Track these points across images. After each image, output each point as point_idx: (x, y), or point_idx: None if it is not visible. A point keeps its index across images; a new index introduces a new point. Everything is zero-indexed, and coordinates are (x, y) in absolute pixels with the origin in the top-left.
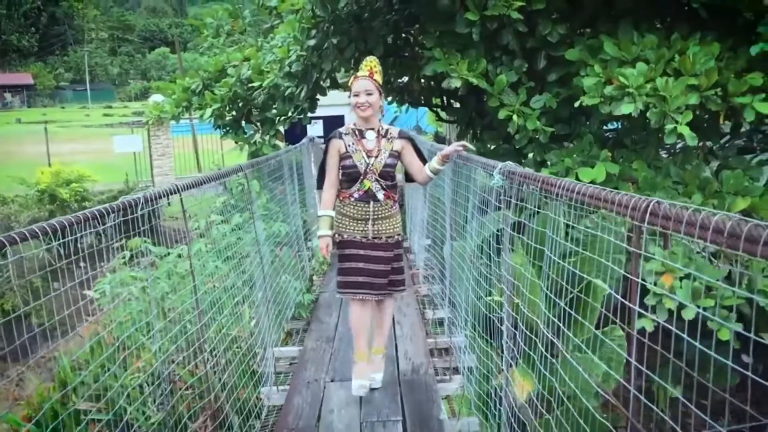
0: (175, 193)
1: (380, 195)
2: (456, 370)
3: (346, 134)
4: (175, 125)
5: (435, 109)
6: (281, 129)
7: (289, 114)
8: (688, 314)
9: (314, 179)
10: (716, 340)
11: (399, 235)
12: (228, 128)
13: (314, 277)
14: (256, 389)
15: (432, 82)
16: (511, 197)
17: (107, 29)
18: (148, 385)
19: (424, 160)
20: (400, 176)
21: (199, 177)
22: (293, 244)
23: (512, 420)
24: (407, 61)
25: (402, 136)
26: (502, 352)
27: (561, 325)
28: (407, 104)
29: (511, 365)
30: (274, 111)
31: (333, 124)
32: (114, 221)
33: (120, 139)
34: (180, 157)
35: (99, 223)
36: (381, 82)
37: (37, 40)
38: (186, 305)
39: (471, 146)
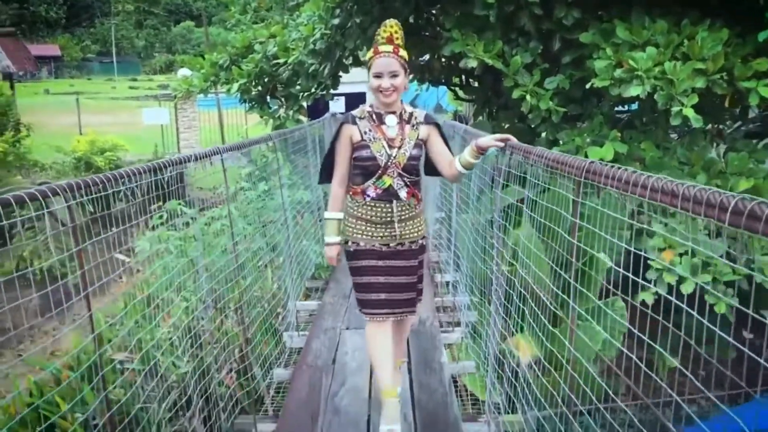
0: (217, 154)
1: (403, 193)
2: (458, 324)
3: (361, 118)
4: (201, 99)
5: (454, 88)
6: (305, 104)
7: (313, 90)
8: (687, 288)
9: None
10: (716, 315)
11: (424, 238)
12: (254, 103)
13: None
14: (278, 345)
15: (452, 62)
16: (503, 167)
17: (133, 2)
18: (179, 339)
19: (450, 152)
20: None
21: (237, 142)
22: (314, 211)
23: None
24: (428, 40)
25: (429, 121)
26: (507, 317)
27: (562, 294)
28: (428, 83)
29: (512, 333)
30: (298, 87)
31: (355, 100)
32: (152, 178)
33: (149, 111)
34: (205, 130)
35: (135, 180)
36: (406, 56)
37: (65, 11)
38: (219, 265)
39: (515, 140)
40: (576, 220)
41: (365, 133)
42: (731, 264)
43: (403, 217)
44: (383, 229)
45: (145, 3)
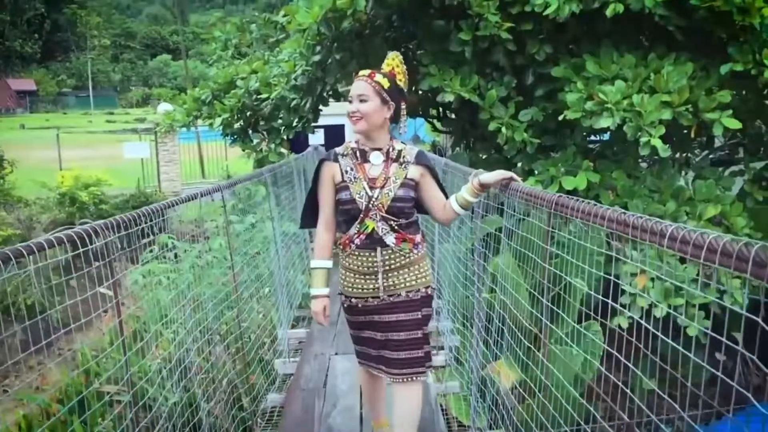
0: (218, 191)
1: (390, 239)
2: (441, 348)
3: (343, 155)
4: (182, 133)
5: (431, 120)
6: (286, 137)
7: (294, 124)
8: (660, 312)
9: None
10: (689, 337)
11: (428, 287)
12: (236, 137)
13: None
14: (265, 373)
15: (429, 95)
16: (481, 199)
17: (110, 36)
18: (167, 370)
19: (444, 194)
20: None
21: (234, 178)
22: (300, 242)
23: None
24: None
25: (420, 161)
26: (488, 343)
27: (543, 319)
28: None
29: (495, 356)
30: (280, 121)
31: (334, 132)
32: (161, 218)
33: (129, 145)
34: (186, 164)
35: (129, 227)
36: (389, 84)
37: (40, 46)
38: (207, 296)
39: (519, 179)
40: (548, 248)
41: (346, 172)
42: (694, 291)
43: (392, 266)
44: (370, 280)
45: (121, 37)
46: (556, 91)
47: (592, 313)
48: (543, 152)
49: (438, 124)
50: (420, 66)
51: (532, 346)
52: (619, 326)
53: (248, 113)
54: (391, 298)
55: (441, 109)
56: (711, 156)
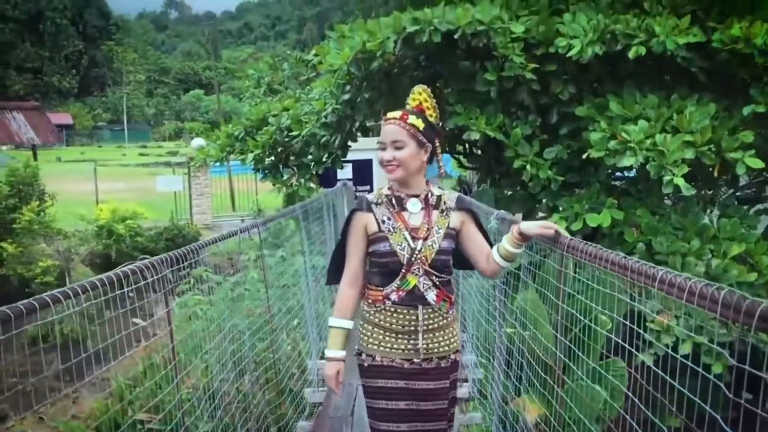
0: (256, 227)
1: (431, 296)
2: (465, 380)
3: (377, 204)
4: (214, 166)
5: (458, 156)
6: (315, 173)
7: (324, 159)
8: (684, 349)
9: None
10: (717, 376)
11: (457, 352)
12: (267, 172)
13: None
14: (293, 404)
15: (455, 132)
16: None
17: (144, 72)
18: (199, 400)
19: (489, 242)
20: None
21: (270, 216)
22: None
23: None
24: None
25: (462, 206)
26: (511, 377)
27: (563, 357)
28: None
29: (517, 392)
30: (310, 157)
31: (362, 166)
32: (203, 254)
33: (162, 178)
34: (217, 197)
35: (181, 263)
36: (423, 125)
37: (77, 81)
38: (241, 328)
39: (565, 233)
40: (562, 287)
41: (383, 222)
42: (717, 329)
43: (430, 327)
44: (405, 341)
45: (155, 73)
46: (580, 129)
47: (614, 351)
48: (567, 189)
49: (464, 161)
50: (447, 105)
51: (555, 383)
52: (644, 363)
53: (279, 149)
54: (424, 364)
55: (467, 146)
56: (738, 194)
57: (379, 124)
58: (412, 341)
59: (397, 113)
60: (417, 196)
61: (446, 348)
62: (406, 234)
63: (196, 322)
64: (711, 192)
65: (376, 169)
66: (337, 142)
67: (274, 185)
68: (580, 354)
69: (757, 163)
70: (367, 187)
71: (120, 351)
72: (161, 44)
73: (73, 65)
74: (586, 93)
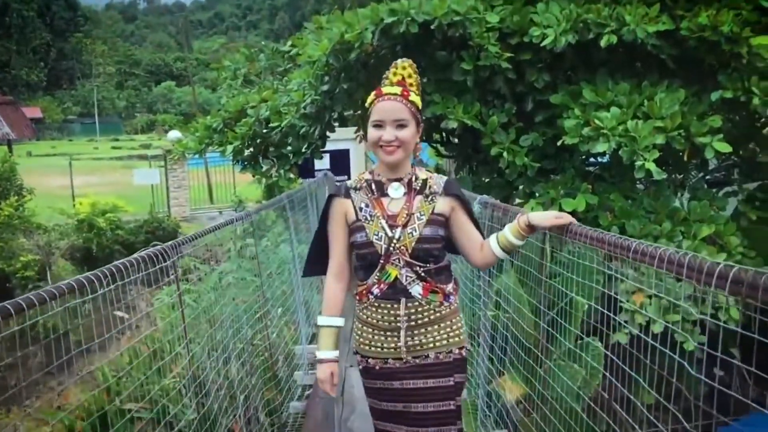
0: (249, 216)
1: (416, 289)
2: None
3: (356, 189)
4: (190, 158)
5: (435, 144)
6: (295, 163)
7: (303, 150)
8: (657, 328)
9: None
10: (689, 353)
11: (461, 348)
12: (247, 163)
13: None
14: (278, 389)
15: (433, 121)
16: (485, 221)
17: (114, 63)
18: (185, 387)
19: (480, 231)
20: None
21: (261, 205)
22: None
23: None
24: None
25: (450, 191)
26: (492, 358)
27: (542, 339)
28: None
29: (499, 372)
30: (289, 148)
31: (339, 157)
32: (191, 248)
33: (139, 172)
34: (194, 189)
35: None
36: (419, 103)
37: (46, 74)
38: (225, 316)
39: (576, 222)
40: (545, 263)
41: (360, 209)
42: (690, 308)
43: (418, 321)
44: (394, 338)
45: (126, 65)
46: (554, 117)
47: (591, 330)
48: (543, 175)
49: (441, 149)
50: (424, 94)
51: (534, 363)
52: (619, 342)
53: (258, 140)
54: (417, 360)
55: (444, 135)
56: (708, 177)
57: (357, 114)
58: (394, 338)
59: (397, 89)
60: (400, 179)
61: (444, 342)
62: (383, 222)
63: (186, 310)
64: (681, 176)
65: (354, 158)
66: (316, 132)
67: (253, 176)
68: (557, 335)
69: (725, 147)
70: (345, 177)
71: (102, 344)
72: (130, 35)
73: (41, 58)
74: (560, 81)
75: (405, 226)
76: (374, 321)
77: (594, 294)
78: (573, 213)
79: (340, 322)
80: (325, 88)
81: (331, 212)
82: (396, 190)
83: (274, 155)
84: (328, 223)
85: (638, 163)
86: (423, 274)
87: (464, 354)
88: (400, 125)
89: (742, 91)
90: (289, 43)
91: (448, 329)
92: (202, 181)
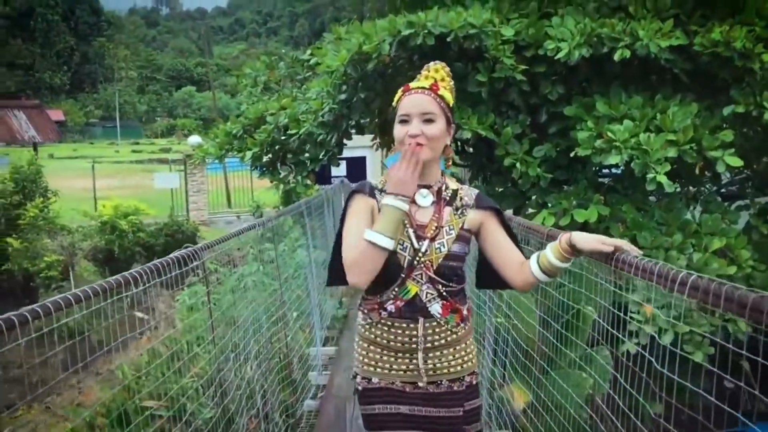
0: (270, 221)
1: (435, 308)
2: None
3: (381, 192)
4: (210, 163)
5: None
6: (313, 170)
7: (320, 157)
8: (666, 339)
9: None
10: (698, 364)
11: (473, 374)
12: (265, 169)
13: (343, 299)
14: (292, 390)
15: None
16: None
17: (136, 68)
18: (203, 387)
19: (518, 247)
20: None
21: (282, 210)
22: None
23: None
24: None
25: (482, 204)
26: (498, 365)
27: (547, 349)
28: None
29: (506, 380)
30: (307, 155)
31: (355, 164)
32: (217, 251)
33: (160, 176)
34: (213, 194)
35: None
36: (452, 102)
37: (69, 78)
38: (244, 318)
39: (629, 247)
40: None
41: None
42: (698, 320)
43: (434, 343)
44: (407, 360)
45: (147, 69)
46: (568, 128)
47: (597, 341)
48: (556, 186)
49: (456, 158)
50: None
51: (541, 372)
52: (627, 352)
53: (277, 147)
54: (431, 388)
55: (459, 144)
56: (723, 191)
57: (374, 122)
58: (407, 361)
59: (426, 82)
60: (428, 187)
61: (458, 369)
62: (410, 231)
63: (205, 311)
64: (695, 189)
65: (370, 165)
66: (333, 140)
67: (271, 182)
68: (561, 347)
69: (737, 162)
70: None
71: (123, 344)
72: (152, 41)
73: (65, 62)
74: (574, 93)
75: (433, 239)
76: (385, 341)
77: (602, 304)
78: (585, 223)
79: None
80: (342, 97)
81: (355, 207)
82: (424, 198)
83: (292, 162)
84: (351, 219)
85: (650, 175)
86: (445, 294)
87: (475, 381)
88: (428, 120)
89: (754, 105)
90: (309, 51)
91: (462, 352)
92: (221, 185)
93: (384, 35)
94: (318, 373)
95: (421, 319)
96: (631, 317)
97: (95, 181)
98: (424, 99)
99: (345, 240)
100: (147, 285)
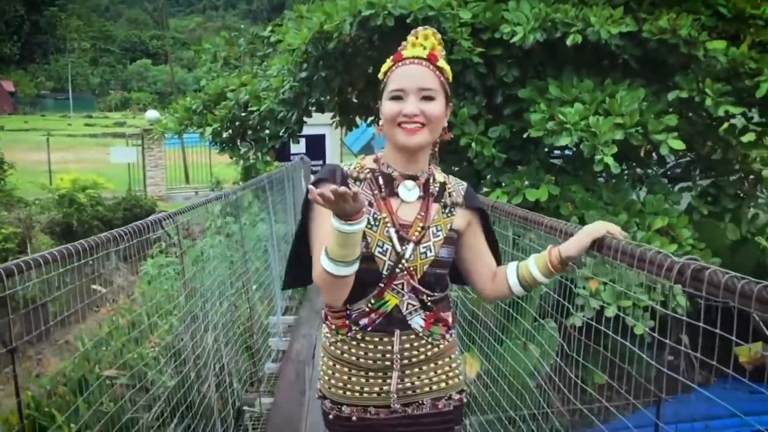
0: (233, 194)
1: (416, 321)
2: None
3: (357, 180)
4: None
5: None
6: (273, 147)
7: (281, 134)
8: (610, 313)
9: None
10: (640, 337)
11: (461, 393)
12: (225, 145)
13: None
14: (253, 355)
15: None
16: None
17: (89, 39)
18: (162, 355)
19: (497, 255)
20: None
21: (246, 183)
22: (289, 240)
23: None
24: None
25: (472, 203)
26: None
27: (501, 319)
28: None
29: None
30: (267, 131)
31: (315, 142)
32: (181, 221)
33: (116, 150)
34: (170, 169)
35: (171, 222)
36: (450, 73)
37: (19, 48)
38: (205, 288)
39: (617, 230)
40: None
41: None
42: (640, 296)
43: (412, 360)
44: (379, 381)
45: (100, 41)
46: (522, 110)
47: (547, 313)
48: (510, 166)
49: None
50: None
51: (494, 341)
52: (573, 325)
53: (237, 123)
54: (409, 410)
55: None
56: (668, 173)
57: (335, 101)
58: (389, 380)
59: (422, 51)
60: (415, 178)
61: (443, 385)
62: (392, 232)
63: (167, 282)
64: (641, 170)
65: (329, 143)
66: (293, 117)
67: (231, 158)
68: (514, 315)
69: (679, 145)
70: (320, 162)
71: (82, 315)
72: (106, 11)
73: (15, 31)
74: (528, 76)
75: (418, 242)
76: (354, 359)
77: (552, 280)
78: (536, 203)
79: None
80: (303, 75)
81: (317, 205)
82: (410, 192)
83: (252, 138)
84: (313, 217)
85: (598, 157)
86: (428, 304)
87: (464, 400)
88: (427, 97)
89: (697, 91)
90: (269, 28)
91: (447, 368)
92: (179, 161)
93: (345, 15)
94: (278, 338)
95: (396, 332)
96: (577, 293)
97: (50, 155)
98: (422, 71)
99: (314, 250)
100: (108, 251)
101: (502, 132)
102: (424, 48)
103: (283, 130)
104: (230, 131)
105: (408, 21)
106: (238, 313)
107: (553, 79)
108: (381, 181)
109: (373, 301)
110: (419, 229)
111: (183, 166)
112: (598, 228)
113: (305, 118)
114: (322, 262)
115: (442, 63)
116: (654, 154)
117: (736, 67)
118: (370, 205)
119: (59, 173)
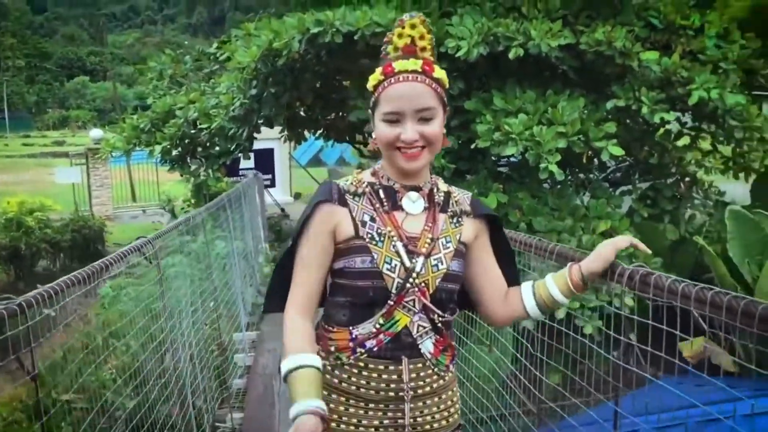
0: (199, 215)
1: (427, 345)
2: None
3: (356, 196)
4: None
5: (358, 146)
6: (223, 163)
7: (231, 150)
8: (561, 314)
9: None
10: (591, 337)
11: (459, 428)
12: (174, 163)
13: (261, 287)
14: (220, 378)
15: (356, 123)
16: None
17: (24, 57)
18: (120, 377)
19: (510, 267)
20: None
21: (213, 203)
22: (248, 257)
23: None
24: (333, 101)
25: (479, 212)
26: None
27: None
28: (333, 140)
29: None
30: (218, 148)
31: (263, 156)
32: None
33: (62, 170)
34: (116, 188)
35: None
36: (445, 78)
37: None
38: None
39: (642, 246)
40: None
41: (363, 223)
42: (588, 297)
43: (418, 391)
44: (381, 413)
45: (36, 58)
46: (469, 122)
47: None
48: (459, 176)
49: (364, 150)
50: (349, 100)
51: (456, 344)
52: (526, 328)
53: (187, 141)
54: None
55: (367, 135)
56: (609, 178)
57: (284, 115)
58: (390, 413)
59: (415, 63)
60: (418, 189)
61: (443, 423)
62: (399, 246)
63: (126, 303)
64: (584, 176)
65: (278, 157)
66: (244, 134)
67: (182, 176)
68: (475, 317)
69: (619, 151)
70: (269, 176)
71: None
72: (40, 27)
73: None
74: (473, 88)
75: (428, 255)
76: (354, 388)
77: None
78: None
79: (316, 361)
80: (253, 92)
81: (314, 225)
82: (414, 204)
83: (203, 155)
84: (303, 249)
85: (543, 165)
86: (439, 326)
87: None
88: (425, 118)
89: (633, 100)
90: (215, 45)
91: (449, 402)
92: (125, 179)
93: (294, 33)
94: (245, 354)
95: (404, 360)
96: None
97: None
98: (419, 90)
99: (294, 274)
100: (100, 279)
101: (450, 143)
102: (410, 41)
103: (234, 146)
104: (180, 149)
105: (356, 38)
106: (204, 331)
107: (497, 90)
108: (382, 194)
109: (381, 321)
110: (428, 240)
111: (129, 185)
112: (621, 241)
113: (255, 135)
114: (281, 363)
115: (438, 73)
116: (595, 160)
117: (669, 76)
118: (372, 220)
119: (16, 196)
